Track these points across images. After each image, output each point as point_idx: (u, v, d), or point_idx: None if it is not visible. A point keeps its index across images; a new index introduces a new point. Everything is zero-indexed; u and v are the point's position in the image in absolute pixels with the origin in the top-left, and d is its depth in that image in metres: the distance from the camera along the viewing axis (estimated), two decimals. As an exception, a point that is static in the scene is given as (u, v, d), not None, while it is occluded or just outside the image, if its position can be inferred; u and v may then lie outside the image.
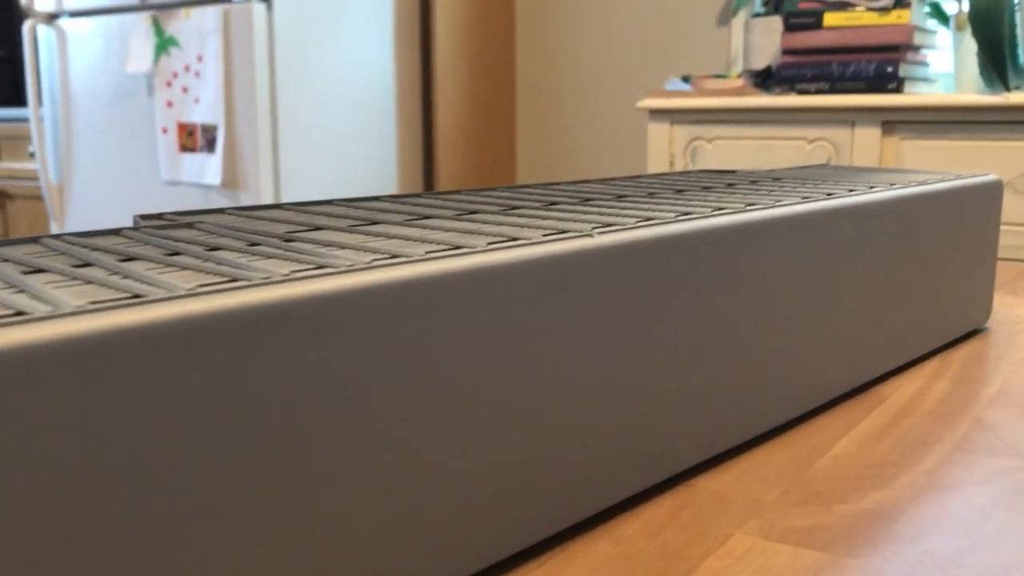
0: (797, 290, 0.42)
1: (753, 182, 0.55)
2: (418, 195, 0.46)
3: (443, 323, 0.27)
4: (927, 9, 1.85)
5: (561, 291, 0.30)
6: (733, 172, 0.62)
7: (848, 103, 1.70)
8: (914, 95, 1.65)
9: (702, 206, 0.41)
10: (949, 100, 1.61)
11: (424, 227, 0.34)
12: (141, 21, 2.26)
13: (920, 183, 0.56)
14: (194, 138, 2.21)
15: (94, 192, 2.47)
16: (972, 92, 1.69)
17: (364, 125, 2.32)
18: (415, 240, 0.32)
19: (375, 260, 0.27)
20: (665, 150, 1.92)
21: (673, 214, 0.38)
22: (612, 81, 2.50)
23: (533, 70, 2.63)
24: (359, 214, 0.38)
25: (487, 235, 0.32)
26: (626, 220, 0.36)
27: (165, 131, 2.26)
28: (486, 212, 0.39)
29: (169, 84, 2.24)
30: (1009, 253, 1.59)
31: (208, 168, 2.19)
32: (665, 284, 0.35)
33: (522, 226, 0.35)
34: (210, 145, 2.18)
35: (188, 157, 2.23)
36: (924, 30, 1.77)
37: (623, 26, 2.46)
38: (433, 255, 0.28)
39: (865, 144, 1.71)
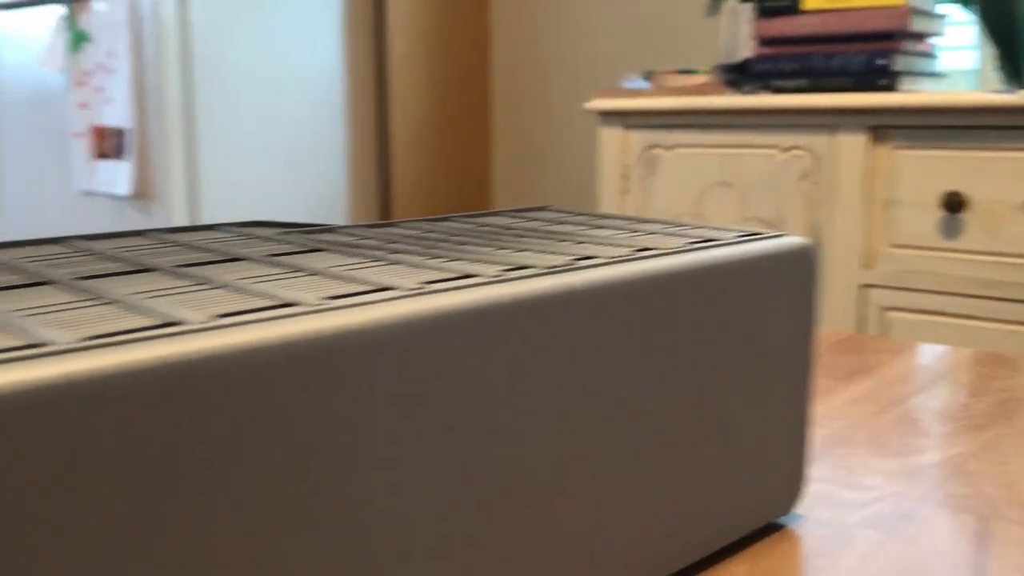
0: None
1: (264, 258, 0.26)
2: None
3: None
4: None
5: None
6: (300, 227, 0.34)
7: (829, 103, 1.38)
8: (909, 93, 1.32)
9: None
10: (950, 100, 1.28)
11: None
12: (56, 13, 2.03)
13: (646, 253, 0.27)
14: (108, 143, 1.97)
15: (18, 201, 2.25)
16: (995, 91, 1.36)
17: (307, 132, 2.05)
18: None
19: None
20: (618, 160, 1.62)
21: None
22: (602, 79, 2.20)
23: (512, 68, 2.34)
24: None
25: None
26: None
27: (79, 135, 2.03)
28: None
29: (83, 84, 2.00)
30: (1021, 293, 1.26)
31: (118, 177, 1.95)
32: None
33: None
34: (121, 151, 1.94)
35: (102, 164, 1.99)
36: (927, 14, 1.44)
37: (616, 15, 2.16)
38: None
39: (849, 153, 1.40)
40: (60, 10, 2.02)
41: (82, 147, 2.02)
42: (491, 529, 0.23)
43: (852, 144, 1.39)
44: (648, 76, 1.66)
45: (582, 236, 0.31)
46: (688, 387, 0.28)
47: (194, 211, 1.91)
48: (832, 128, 1.40)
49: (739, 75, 1.56)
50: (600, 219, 0.35)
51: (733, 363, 0.30)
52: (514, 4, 2.29)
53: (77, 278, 0.23)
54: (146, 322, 0.18)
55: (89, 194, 2.04)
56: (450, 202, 2.34)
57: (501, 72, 2.35)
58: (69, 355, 0.16)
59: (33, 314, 0.19)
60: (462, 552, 0.23)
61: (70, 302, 0.20)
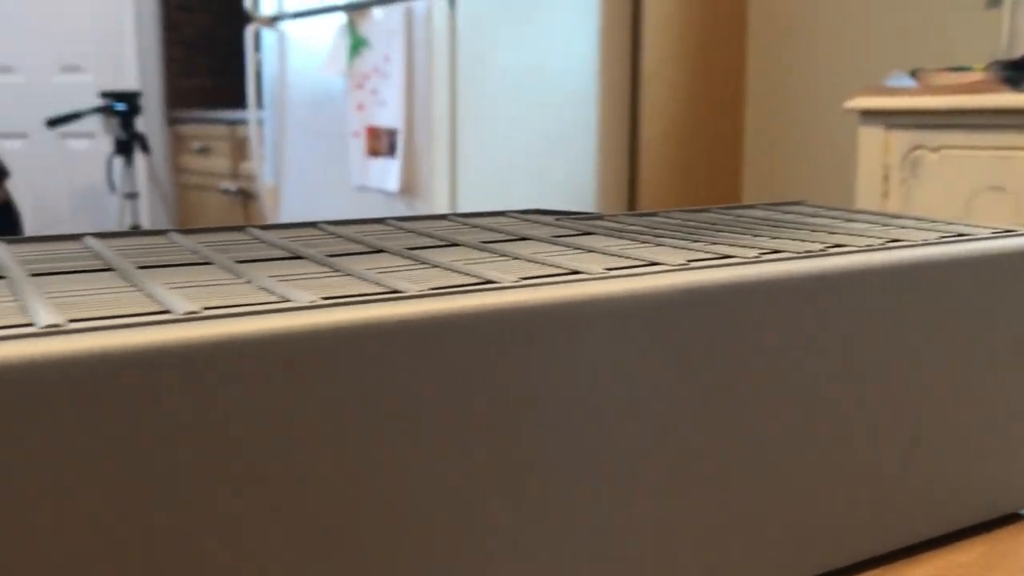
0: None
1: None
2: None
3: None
4: None
5: None
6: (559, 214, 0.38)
7: (1121, 102, 1.27)
8: None
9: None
10: None
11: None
12: (339, 21, 2.22)
13: (887, 246, 0.29)
14: (381, 142, 2.14)
15: (301, 195, 2.49)
16: None
17: (558, 133, 2.13)
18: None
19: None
20: (878, 161, 1.57)
21: None
22: (859, 76, 2.13)
23: (767, 66, 2.32)
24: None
25: None
26: None
27: (356, 135, 2.21)
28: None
29: (360, 86, 2.18)
30: None
31: (389, 173, 2.11)
32: None
33: None
34: (392, 150, 2.10)
35: (374, 162, 2.16)
36: None
37: (880, 11, 2.09)
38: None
39: None
40: (342, 18, 2.21)
41: (358, 146, 2.20)
42: (736, 486, 0.26)
43: None
44: (915, 74, 1.59)
45: (835, 228, 0.33)
46: (934, 373, 0.30)
47: (454, 207, 2.04)
48: (1124, 128, 1.29)
49: (1020, 72, 1.47)
50: (854, 213, 0.37)
51: (980, 354, 0.31)
52: (772, 12, 2.26)
53: (406, 248, 0.28)
54: (466, 280, 0.23)
55: (363, 189, 2.22)
56: (698, 201, 2.35)
57: (756, 70, 2.32)
58: (418, 299, 0.20)
59: (382, 272, 0.24)
60: (688, 514, 0.26)
61: (405, 265, 0.25)
